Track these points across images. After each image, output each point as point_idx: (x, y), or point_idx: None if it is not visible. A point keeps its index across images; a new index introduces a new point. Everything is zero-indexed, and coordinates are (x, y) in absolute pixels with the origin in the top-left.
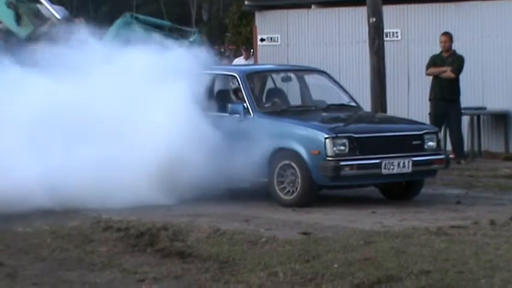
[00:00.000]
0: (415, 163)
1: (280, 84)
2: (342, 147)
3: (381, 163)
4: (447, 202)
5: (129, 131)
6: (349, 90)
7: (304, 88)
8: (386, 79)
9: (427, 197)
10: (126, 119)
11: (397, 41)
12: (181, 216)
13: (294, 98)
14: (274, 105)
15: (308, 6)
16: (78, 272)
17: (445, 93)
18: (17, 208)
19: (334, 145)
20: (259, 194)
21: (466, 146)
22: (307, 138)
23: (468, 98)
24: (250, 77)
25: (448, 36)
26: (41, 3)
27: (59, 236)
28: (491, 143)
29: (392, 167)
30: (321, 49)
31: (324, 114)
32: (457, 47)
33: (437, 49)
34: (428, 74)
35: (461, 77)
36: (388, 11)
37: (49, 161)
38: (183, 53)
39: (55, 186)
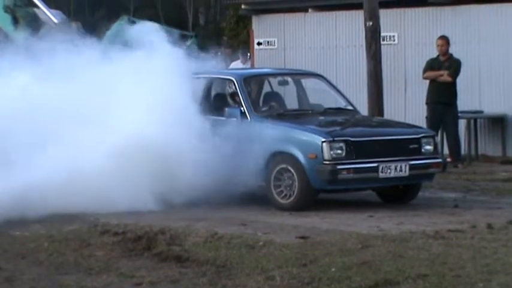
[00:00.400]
0: (412, 167)
1: (277, 88)
2: (339, 151)
3: (378, 167)
4: (444, 206)
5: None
6: (346, 94)
7: (301, 92)
8: (383, 83)
9: (424, 201)
10: (116, 122)
11: (394, 44)
12: (179, 220)
13: (291, 102)
14: (271, 109)
15: (305, 10)
16: (76, 276)
17: (442, 97)
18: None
19: (331, 149)
20: (257, 198)
21: (463, 150)
22: (304, 142)
23: (465, 101)
24: (247, 80)
25: (445, 39)
26: (38, 7)
27: (56, 240)
28: (489, 146)
29: (389, 170)
30: (318, 53)
31: (321, 118)
32: (454, 50)
33: (434, 53)
34: (425, 78)
35: (458, 80)
36: (385, 14)
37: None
38: (178, 56)
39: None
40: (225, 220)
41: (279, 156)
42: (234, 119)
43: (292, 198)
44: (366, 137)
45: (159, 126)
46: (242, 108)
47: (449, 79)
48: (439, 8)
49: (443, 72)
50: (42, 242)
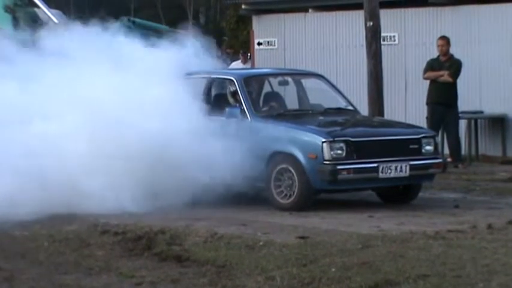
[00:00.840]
0: (412, 167)
1: (277, 88)
2: (339, 151)
3: (378, 167)
4: (445, 206)
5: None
6: (346, 94)
7: (301, 92)
8: (384, 83)
9: (425, 201)
10: (117, 120)
11: (395, 44)
12: (179, 220)
13: (291, 102)
14: (272, 109)
15: (305, 10)
16: (75, 276)
17: (443, 98)
18: None
19: (331, 149)
20: (257, 198)
21: (464, 150)
22: (304, 142)
23: (465, 102)
24: (247, 80)
25: (445, 40)
26: (38, 7)
27: (56, 240)
28: (489, 147)
29: (389, 171)
30: (318, 53)
31: (321, 118)
32: (455, 51)
33: (434, 53)
34: (425, 78)
35: (459, 81)
36: (385, 15)
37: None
38: (178, 56)
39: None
40: (225, 220)
41: (279, 156)
42: (234, 118)
43: (292, 198)
44: (366, 137)
45: (158, 126)
46: (242, 108)
47: (449, 79)
48: (439, 8)
49: (444, 73)
50: (42, 241)
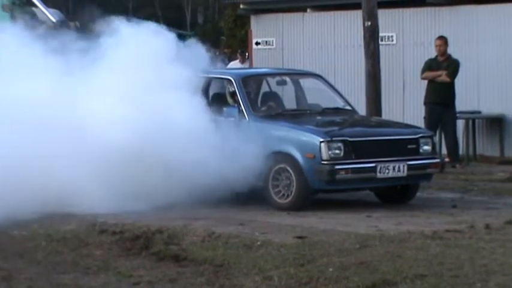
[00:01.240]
0: (410, 167)
1: (275, 87)
2: (337, 151)
3: (376, 167)
4: (442, 206)
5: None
6: (344, 94)
7: (299, 92)
8: (382, 83)
9: (423, 201)
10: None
11: (393, 44)
12: (177, 219)
13: (289, 102)
14: (270, 108)
15: (303, 10)
16: (73, 276)
17: (440, 97)
18: None
19: (329, 149)
20: (254, 197)
21: (461, 150)
22: (302, 142)
23: (463, 102)
24: (245, 80)
25: (443, 40)
26: (36, 6)
27: (54, 239)
28: (487, 147)
29: (387, 171)
30: (316, 53)
31: (319, 118)
32: (453, 51)
33: (432, 53)
34: (423, 78)
35: (457, 81)
36: (383, 14)
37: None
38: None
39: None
40: (223, 220)
41: (277, 156)
42: (232, 118)
43: (290, 198)
44: (364, 137)
45: (155, 125)
46: (240, 108)
47: (447, 79)
48: (437, 8)
49: (442, 73)
50: (40, 241)
